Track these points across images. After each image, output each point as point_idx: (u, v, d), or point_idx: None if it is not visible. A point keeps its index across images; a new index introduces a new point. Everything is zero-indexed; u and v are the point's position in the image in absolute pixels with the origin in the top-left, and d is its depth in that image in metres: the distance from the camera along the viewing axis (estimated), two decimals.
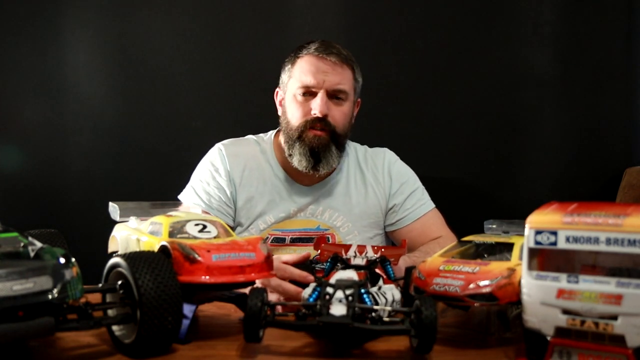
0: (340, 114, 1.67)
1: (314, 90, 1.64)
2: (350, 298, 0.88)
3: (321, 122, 1.64)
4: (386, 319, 0.90)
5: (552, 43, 2.21)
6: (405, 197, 1.77)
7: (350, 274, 0.99)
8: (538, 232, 0.81)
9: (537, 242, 0.81)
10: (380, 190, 1.77)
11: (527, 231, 0.83)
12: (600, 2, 2.20)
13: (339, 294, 0.88)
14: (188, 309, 0.98)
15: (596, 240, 0.77)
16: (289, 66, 1.72)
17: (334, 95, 1.65)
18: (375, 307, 0.89)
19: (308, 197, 1.73)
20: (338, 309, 0.86)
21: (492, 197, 2.21)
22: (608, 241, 0.76)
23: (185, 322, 0.95)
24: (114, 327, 0.94)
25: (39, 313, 0.79)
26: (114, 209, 1.15)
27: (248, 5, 2.21)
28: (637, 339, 0.74)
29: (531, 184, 2.20)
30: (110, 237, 1.19)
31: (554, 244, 0.80)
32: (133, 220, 1.15)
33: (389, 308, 0.90)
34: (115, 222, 1.18)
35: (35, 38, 2.19)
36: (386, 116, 2.21)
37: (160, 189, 1.76)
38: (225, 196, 1.70)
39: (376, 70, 2.20)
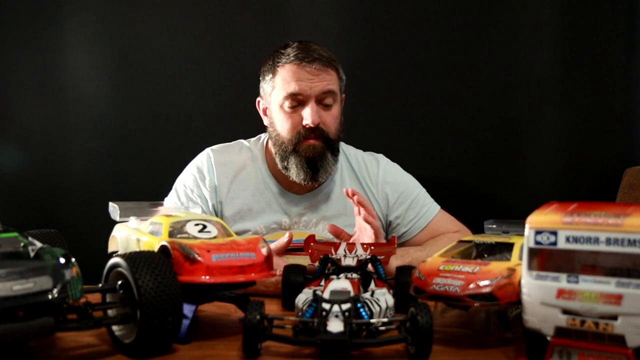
0: (331, 119, 1.62)
1: (301, 98, 1.58)
2: (347, 314, 0.88)
3: (315, 131, 1.58)
4: (382, 328, 0.90)
5: (552, 43, 2.21)
6: (406, 207, 1.71)
7: (345, 284, 0.99)
8: (538, 232, 0.81)
9: (537, 242, 0.81)
10: (375, 204, 1.70)
11: (527, 231, 0.83)
12: (600, 2, 2.20)
13: (336, 308, 0.89)
14: (188, 309, 0.98)
15: (596, 240, 0.77)
16: (270, 75, 1.64)
17: (322, 100, 1.60)
18: (373, 320, 0.90)
19: (300, 206, 1.67)
20: (335, 325, 0.86)
21: (492, 197, 2.21)
22: (608, 241, 0.76)
23: (185, 322, 0.95)
24: (114, 327, 0.94)
25: (39, 313, 0.80)
26: (114, 209, 1.15)
27: (248, 6, 2.21)
28: (637, 339, 0.74)
29: (531, 184, 2.20)
30: (110, 237, 1.19)
31: (554, 244, 0.80)
32: (133, 220, 1.15)
33: (385, 320, 0.90)
34: (115, 222, 1.18)
35: (36, 38, 2.19)
36: (386, 116, 2.21)
37: (160, 189, 1.76)
38: (205, 206, 1.66)
39: (376, 70, 2.20)
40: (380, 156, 1.79)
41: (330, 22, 2.21)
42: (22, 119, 2.20)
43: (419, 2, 2.21)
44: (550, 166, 2.21)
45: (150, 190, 1.78)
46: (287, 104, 1.60)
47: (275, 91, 1.63)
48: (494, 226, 1.13)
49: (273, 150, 1.67)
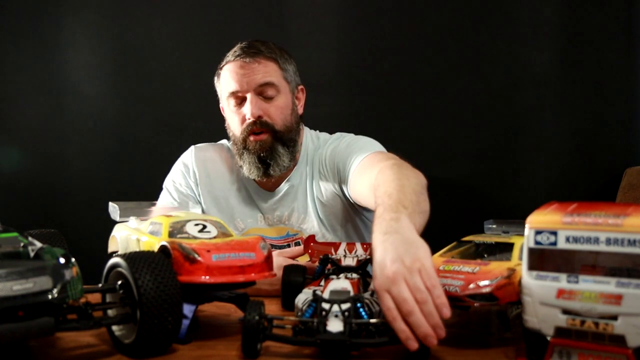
0: (275, 110, 1.61)
1: (240, 94, 1.60)
2: (346, 314, 0.88)
3: (256, 124, 1.59)
4: (383, 328, 0.90)
5: (552, 43, 2.21)
6: (344, 147, 1.62)
7: (344, 284, 0.99)
8: (538, 232, 0.81)
9: (537, 242, 0.81)
10: (325, 168, 1.66)
11: (527, 231, 0.83)
12: (600, 2, 2.20)
13: (335, 308, 0.89)
14: (188, 309, 0.98)
15: (596, 240, 0.77)
16: (216, 79, 1.69)
17: (262, 93, 1.60)
18: (372, 320, 0.89)
19: (271, 202, 1.70)
20: (335, 325, 0.86)
21: (492, 197, 2.21)
22: (608, 241, 0.76)
23: (185, 322, 0.95)
24: (114, 327, 0.94)
25: (39, 313, 0.79)
26: (114, 209, 1.15)
27: (248, 6, 2.21)
28: (637, 339, 0.74)
29: (531, 184, 2.20)
30: (110, 237, 1.19)
31: (554, 244, 0.80)
32: (133, 220, 1.15)
33: (384, 320, 0.89)
34: (115, 222, 1.18)
35: (36, 38, 2.19)
36: (386, 116, 2.21)
37: (160, 189, 1.76)
38: (195, 197, 1.71)
39: (376, 70, 2.21)
40: (338, 134, 1.74)
41: (330, 22, 2.21)
42: (22, 119, 2.20)
43: (418, 2, 2.21)
44: (550, 166, 2.22)
45: (150, 190, 1.78)
46: (231, 102, 1.63)
47: (222, 94, 1.68)
48: (494, 226, 1.13)
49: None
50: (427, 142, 2.21)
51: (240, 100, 1.62)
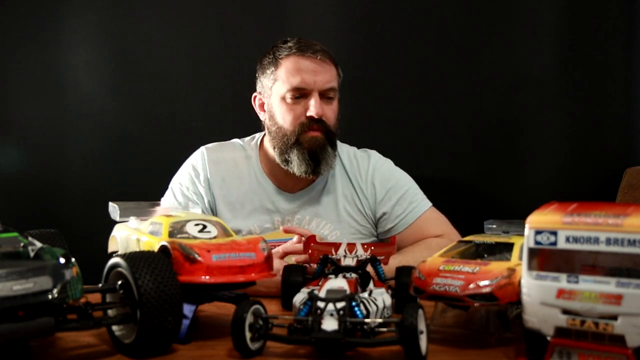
0: (332, 113, 1.63)
1: (305, 91, 1.59)
2: (341, 312, 0.87)
3: (318, 123, 1.59)
4: (383, 330, 0.89)
5: (552, 43, 2.21)
6: (394, 203, 1.69)
7: (341, 283, 0.99)
8: (538, 232, 0.81)
9: (537, 242, 0.81)
10: (364, 200, 1.70)
11: (527, 231, 0.83)
12: (600, 2, 2.20)
13: (330, 307, 0.88)
14: (188, 309, 0.98)
15: (596, 240, 0.77)
16: (272, 69, 1.64)
17: (324, 95, 1.61)
18: (367, 320, 0.89)
19: (293, 204, 1.68)
20: (329, 324, 0.86)
21: (492, 197, 2.21)
22: (608, 241, 0.76)
23: (185, 322, 0.95)
24: (114, 327, 0.94)
25: (39, 313, 0.80)
26: (114, 209, 1.15)
27: (248, 5, 2.21)
28: (637, 339, 0.74)
29: (531, 184, 2.20)
30: (110, 237, 1.19)
31: (554, 244, 0.80)
32: (133, 220, 1.15)
33: (380, 320, 0.89)
34: (115, 222, 1.18)
35: (35, 38, 2.19)
36: (386, 116, 2.21)
37: (160, 189, 1.76)
38: (202, 203, 1.66)
39: (376, 71, 2.20)
40: (373, 152, 1.78)
41: (330, 22, 2.21)
42: (22, 119, 2.20)
43: (419, 2, 2.21)
44: (550, 166, 2.21)
45: (150, 190, 1.78)
46: (289, 95, 1.60)
47: (277, 84, 1.63)
48: (494, 226, 1.13)
49: (271, 145, 1.66)
50: (427, 142, 2.20)
51: (300, 95, 1.60)
